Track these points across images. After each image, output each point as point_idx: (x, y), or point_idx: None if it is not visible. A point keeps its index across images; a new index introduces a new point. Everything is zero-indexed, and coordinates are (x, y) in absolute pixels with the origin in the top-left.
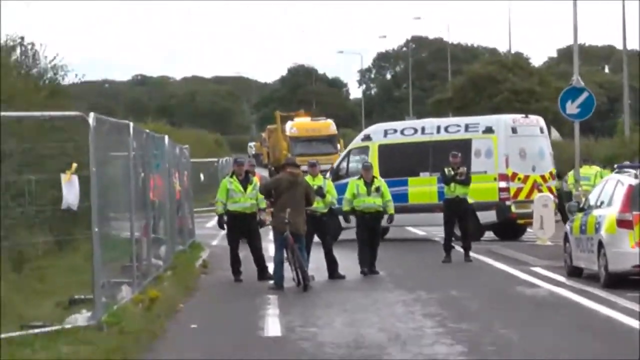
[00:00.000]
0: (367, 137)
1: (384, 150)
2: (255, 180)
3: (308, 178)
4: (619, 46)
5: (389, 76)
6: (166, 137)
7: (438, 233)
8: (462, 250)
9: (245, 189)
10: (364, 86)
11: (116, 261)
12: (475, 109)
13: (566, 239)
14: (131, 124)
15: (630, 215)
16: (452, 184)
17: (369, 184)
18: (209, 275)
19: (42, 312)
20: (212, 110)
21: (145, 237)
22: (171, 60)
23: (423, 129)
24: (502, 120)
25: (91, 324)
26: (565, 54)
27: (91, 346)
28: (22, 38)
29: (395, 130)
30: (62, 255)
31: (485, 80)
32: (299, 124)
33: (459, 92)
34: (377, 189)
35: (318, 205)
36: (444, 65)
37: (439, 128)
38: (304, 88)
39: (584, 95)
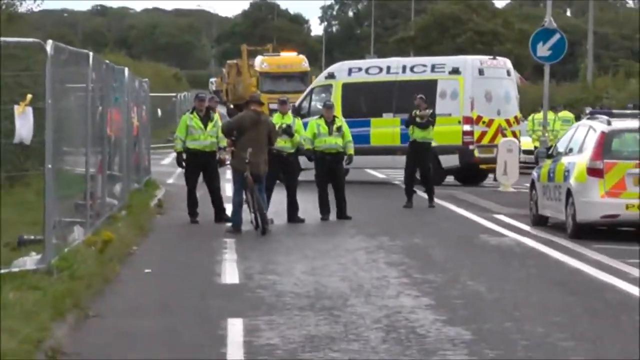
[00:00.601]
0: (331, 75)
1: (347, 89)
2: (216, 117)
3: (277, 116)
4: None
5: (351, 13)
6: (126, 70)
7: (398, 176)
8: (425, 195)
9: (205, 126)
10: (325, 23)
11: (69, 199)
12: (438, 49)
13: (532, 186)
14: (91, 54)
15: (601, 164)
16: (411, 127)
17: (330, 123)
18: (164, 216)
19: None
20: (172, 43)
21: (100, 173)
22: None
23: (388, 68)
24: (469, 62)
25: (40, 267)
26: None
27: (40, 291)
28: None
29: (360, 69)
30: (12, 191)
31: (449, 20)
32: (270, 59)
33: (422, 32)
34: (339, 129)
35: (285, 144)
36: (406, 2)
37: (404, 68)
38: (266, 23)
39: (556, 37)
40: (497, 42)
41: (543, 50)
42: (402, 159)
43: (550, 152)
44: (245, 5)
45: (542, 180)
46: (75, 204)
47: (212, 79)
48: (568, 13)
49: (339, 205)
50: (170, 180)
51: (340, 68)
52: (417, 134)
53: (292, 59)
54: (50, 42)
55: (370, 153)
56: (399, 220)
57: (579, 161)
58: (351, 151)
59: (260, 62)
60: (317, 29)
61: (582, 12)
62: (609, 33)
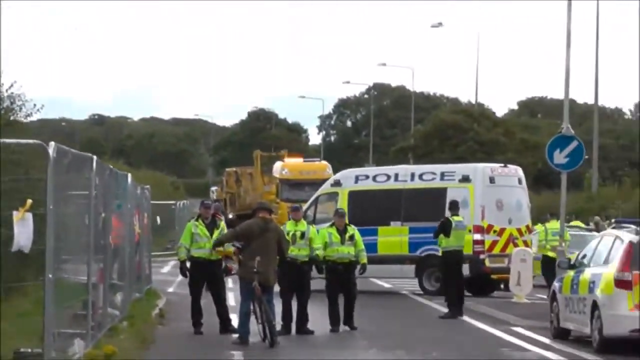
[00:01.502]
0: (337, 183)
1: (354, 196)
2: (222, 225)
3: (290, 223)
4: (579, 100)
5: (349, 123)
6: (129, 176)
7: (405, 286)
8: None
9: (211, 233)
10: (323, 132)
11: (68, 308)
12: (438, 157)
13: (554, 297)
14: (95, 158)
15: (630, 275)
16: None
17: (342, 232)
18: (166, 327)
19: None
20: (169, 152)
21: (101, 283)
22: (129, 100)
23: (396, 175)
24: (480, 169)
25: None
26: (526, 106)
27: None
28: None
29: (367, 177)
30: (9, 301)
31: (450, 129)
32: (292, 165)
33: (422, 140)
34: (351, 238)
35: (299, 252)
36: (405, 113)
37: (413, 175)
38: (264, 132)
39: (574, 144)
40: (498, 151)
41: (560, 157)
42: (410, 269)
43: (572, 262)
44: (243, 115)
45: (564, 292)
46: (74, 314)
47: (213, 188)
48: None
49: (347, 314)
50: (170, 289)
51: (346, 175)
52: None
53: (316, 166)
54: (52, 144)
55: (377, 262)
56: (412, 333)
57: (606, 272)
58: (364, 260)
59: (281, 169)
60: (315, 138)
61: (579, 123)
62: (607, 144)
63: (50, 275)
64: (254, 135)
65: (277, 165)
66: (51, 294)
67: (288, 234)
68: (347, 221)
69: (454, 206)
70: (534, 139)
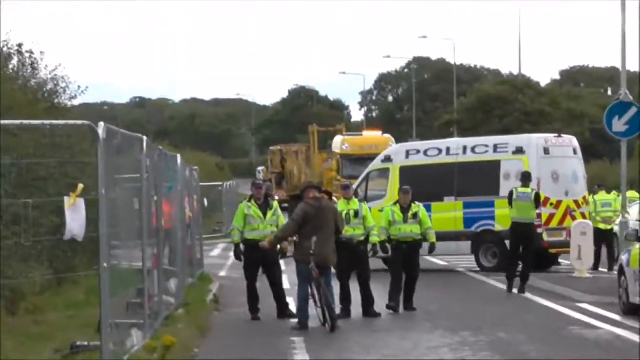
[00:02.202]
0: (388, 159)
1: (405, 172)
2: (276, 205)
3: (341, 203)
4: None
5: (390, 98)
6: (179, 157)
7: (460, 263)
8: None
9: (265, 214)
10: (365, 108)
11: (123, 298)
12: (484, 130)
13: (621, 271)
14: (145, 139)
15: None
16: None
17: (405, 209)
18: (222, 313)
19: None
20: (212, 133)
21: (156, 269)
22: (170, 82)
23: (448, 149)
24: (534, 140)
25: None
26: (568, 75)
27: None
28: (20, 45)
29: (418, 151)
30: (61, 290)
31: (494, 101)
32: (353, 140)
33: (467, 113)
34: (415, 215)
35: (355, 232)
36: (446, 86)
37: (465, 148)
38: (305, 110)
39: (632, 110)
40: (545, 121)
41: (619, 125)
42: (466, 245)
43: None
44: (284, 93)
45: (632, 266)
46: (128, 303)
47: (260, 168)
48: (609, 92)
49: (407, 295)
50: (222, 273)
51: (397, 151)
52: None
53: (378, 139)
54: (102, 124)
55: None
56: (474, 312)
57: None
58: (433, 239)
59: (341, 143)
60: (357, 114)
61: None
62: None
63: (105, 264)
64: (295, 113)
65: (337, 139)
66: (107, 284)
67: (341, 214)
68: (390, 198)
69: (524, 177)
70: (580, 108)
